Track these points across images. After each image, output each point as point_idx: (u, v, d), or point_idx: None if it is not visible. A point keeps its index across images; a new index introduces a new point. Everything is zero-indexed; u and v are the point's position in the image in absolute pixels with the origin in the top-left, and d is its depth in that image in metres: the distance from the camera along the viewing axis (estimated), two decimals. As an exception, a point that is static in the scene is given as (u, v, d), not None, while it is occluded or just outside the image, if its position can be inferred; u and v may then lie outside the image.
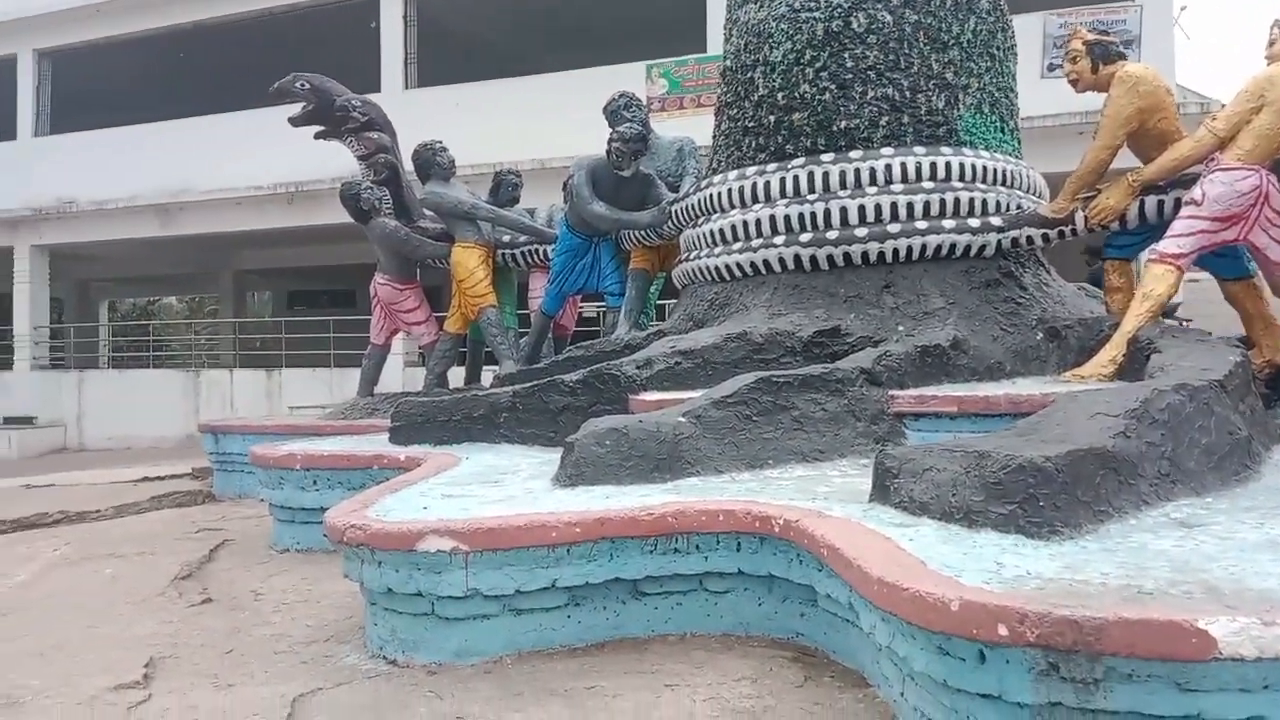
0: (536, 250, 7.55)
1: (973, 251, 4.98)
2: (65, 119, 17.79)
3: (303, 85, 7.79)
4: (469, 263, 7.34)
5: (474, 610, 2.92)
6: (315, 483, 4.81)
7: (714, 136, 5.90)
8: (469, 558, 2.86)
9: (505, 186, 7.90)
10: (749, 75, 5.51)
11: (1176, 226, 4.39)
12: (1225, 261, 4.65)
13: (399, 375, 14.60)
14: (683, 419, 3.71)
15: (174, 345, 25.93)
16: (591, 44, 15.24)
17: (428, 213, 7.99)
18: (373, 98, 8.31)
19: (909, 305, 4.87)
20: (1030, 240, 5.04)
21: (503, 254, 7.62)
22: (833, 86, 5.21)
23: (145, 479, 8.90)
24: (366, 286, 19.99)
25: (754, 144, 5.46)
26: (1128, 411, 2.94)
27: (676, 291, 6.67)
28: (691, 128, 12.95)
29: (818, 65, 5.24)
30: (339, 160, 14.56)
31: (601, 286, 6.79)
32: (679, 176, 6.59)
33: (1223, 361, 3.49)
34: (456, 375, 8.31)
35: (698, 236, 5.67)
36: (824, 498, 3.15)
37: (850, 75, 5.19)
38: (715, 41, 13.58)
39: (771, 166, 5.31)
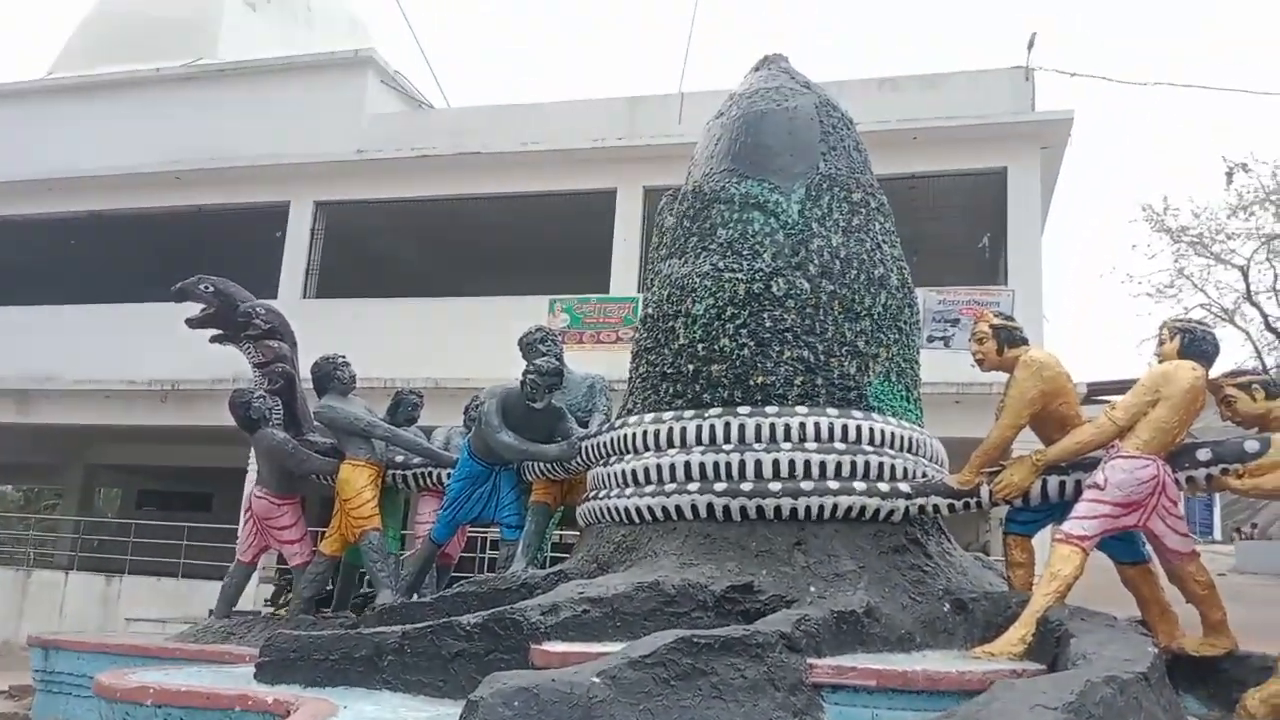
0: (430, 473, 7.29)
1: (881, 515, 5.01)
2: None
3: (206, 288, 7.63)
4: (357, 482, 7.01)
5: None
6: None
7: (630, 378, 5.94)
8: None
9: (404, 406, 7.71)
10: (670, 324, 5.63)
11: (1080, 509, 4.52)
12: (1122, 546, 4.79)
13: (253, 590, 13.60)
14: (597, 679, 3.44)
15: (2, 539, 23.76)
16: (497, 272, 15.63)
17: (318, 426, 7.71)
18: (269, 303, 8.15)
19: (820, 565, 4.81)
20: (936, 509, 5.11)
21: (393, 474, 7.34)
22: (751, 343, 5.35)
23: (-53, 697, 7.82)
24: (227, 491, 18.95)
25: (671, 390, 5.50)
26: (1065, 705, 2.87)
27: (574, 523, 6.49)
28: (590, 362, 13.14)
29: (738, 322, 5.40)
30: (219, 361, 14.22)
31: (498, 517, 6.55)
32: (588, 412, 6.57)
33: (1142, 652, 3.49)
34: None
35: (607, 475, 5.57)
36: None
37: (769, 335, 5.35)
38: (617, 284, 14.14)
39: (689, 414, 5.33)
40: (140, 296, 15.07)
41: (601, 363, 13.21)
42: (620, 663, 3.56)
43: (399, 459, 7.35)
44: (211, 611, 12.19)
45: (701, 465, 5.13)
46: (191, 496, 22.82)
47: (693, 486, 5.11)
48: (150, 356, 14.46)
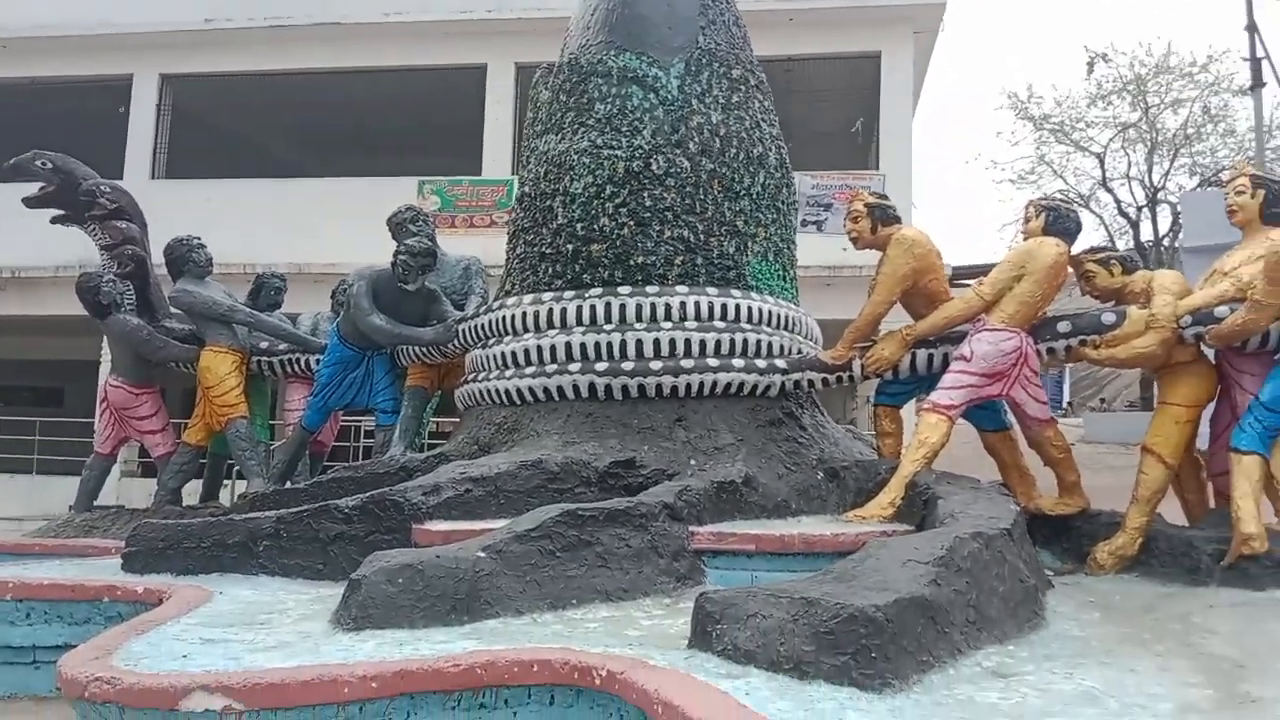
0: (297, 360, 7.04)
1: (759, 391, 5.10)
2: None
3: (44, 164, 7.02)
4: (220, 369, 6.72)
5: (245, 780, 2.48)
6: (29, 616, 4.05)
7: (508, 259, 5.80)
8: (243, 718, 2.44)
9: (267, 290, 7.38)
10: (548, 203, 5.49)
11: (947, 380, 4.70)
12: (985, 414, 5.03)
13: (113, 486, 13.06)
14: (482, 554, 3.44)
15: None
16: (363, 153, 14.95)
17: (175, 312, 7.31)
18: (115, 182, 7.57)
19: (700, 440, 4.88)
20: (811, 383, 5.24)
21: (258, 361, 7.05)
22: (631, 223, 5.28)
23: None
24: (78, 384, 18.11)
25: (550, 270, 5.40)
26: (936, 559, 3.01)
27: (452, 410, 6.40)
28: (462, 246, 12.76)
29: (617, 201, 5.30)
30: (65, 246, 13.29)
31: (372, 403, 6.40)
32: (464, 295, 6.42)
33: (1005, 510, 3.70)
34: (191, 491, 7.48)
35: (486, 358, 5.48)
36: (638, 643, 2.98)
37: (649, 214, 5.28)
38: (490, 165, 13.74)
39: (569, 294, 5.25)
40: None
41: (474, 247, 12.84)
42: (505, 537, 3.56)
43: (263, 345, 7.06)
44: (71, 507, 11.70)
45: (583, 345, 5.09)
46: (41, 391, 21.56)
47: (574, 367, 5.08)
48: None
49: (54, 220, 7.28)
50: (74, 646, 4.06)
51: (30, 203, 7.08)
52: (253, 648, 2.88)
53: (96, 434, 7.07)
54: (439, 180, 13.20)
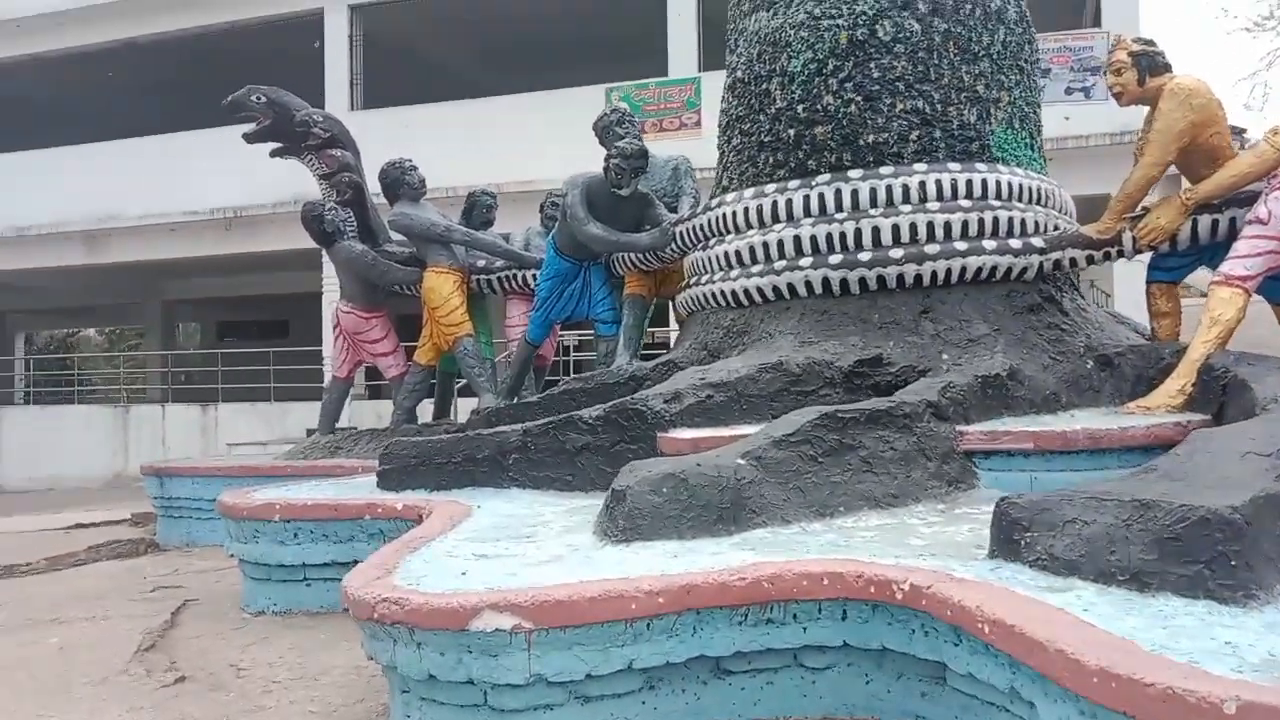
0: (515, 275, 7.06)
1: (1014, 274, 4.64)
2: (-16, 140, 16.79)
3: (259, 99, 7.23)
4: (443, 289, 6.82)
5: (536, 699, 2.42)
6: (296, 536, 4.25)
7: (722, 153, 5.50)
8: (532, 637, 2.36)
9: (479, 208, 7.40)
10: (764, 87, 5.13)
11: (1240, 247, 4.11)
12: (1279, 285, 4.40)
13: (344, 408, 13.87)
14: (742, 461, 3.26)
15: (95, 380, 24.60)
16: (546, 66, 14.84)
17: (394, 236, 7.47)
18: (325, 111, 7.72)
19: (950, 332, 4.50)
20: (1074, 262, 4.72)
21: (477, 280, 7.12)
22: (858, 98, 4.85)
23: (78, 526, 8.15)
24: (301, 317, 19.18)
25: (772, 160, 5.07)
26: (1279, 451, 2.58)
27: (663, 319, 6.26)
28: (654, 151, 12.63)
29: (841, 76, 4.88)
30: (281, 184, 13.97)
31: (592, 314, 6.32)
32: (675, 197, 6.19)
33: (1342, 392, 3.18)
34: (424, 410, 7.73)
35: (708, 259, 5.25)
36: (926, 553, 2.73)
37: (877, 87, 4.84)
38: (676, 65, 13.33)
39: (794, 184, 4.92)
40: (188, 124, 14.73)
41: (668, 151, 12.64)
42: (764, 443, 3.36)
43: (480, 263, 7.11)
44: (309, 431, 12.50)
45: (813, 238, 4.76)
46: (268, 324, 23.21)
47: (805, 261, 4.77)
48: (209, 185, 14.28)
49: (273, 154, 7.54)
50: (340, 564, 4.26)
51: (250, 138, 7.33)
52: (526, 562, 2.82)
53: (332, 359, 7.37)
54: (625, 85, 12.93)
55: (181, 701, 3.21)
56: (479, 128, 13.38)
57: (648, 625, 2.45)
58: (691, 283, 5.47)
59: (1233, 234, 4.33)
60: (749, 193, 5.08)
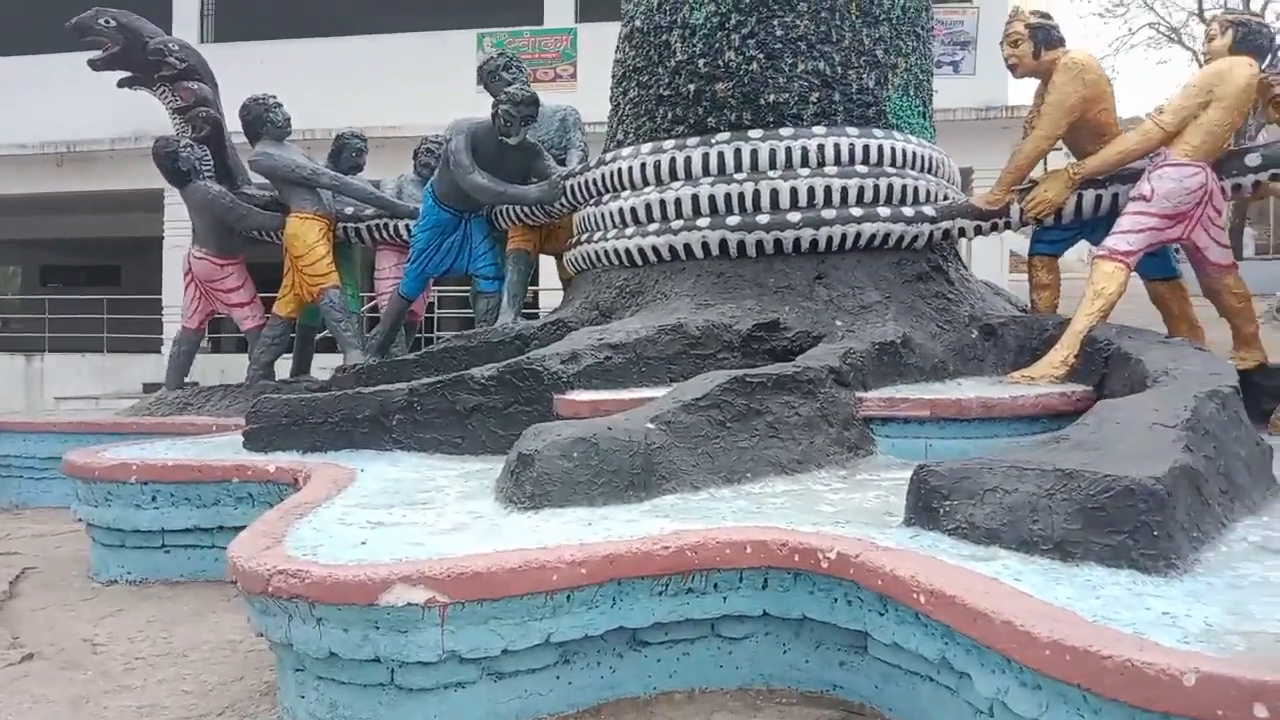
0: (386, 225, 6.71)
1: (905, 242, 4.69)
2: None
3: (107, 22, 6.60)
4: (308, 236, 6.42)
5: (447, 677, 2.27)
6: (155, 499, 3.90)
7: (617, 105, 5.34)
8: (447, 611, 2.20)
9: (348, 151, 7.00)
10: (664, 38, 4.98)
11: (1124, 223, 4.25)
12: (1155, 261, 4.58)
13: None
14: (652, 426, 3.15)
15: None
16: (416, 7, 14.16)
17: (255, 178, 6.98)
18: (181, 40, 7.10)
19: (844, 298, 4.51)
20: (962, 232, 4.81)
21: (344, 228, 6.74)
22: (760, 56, 4.77)
23: (-118, 483, 7.32)
24: (135, 263, 17.94)
25: (670, 115, 4.94)
26: (1184, 422, 2.66)
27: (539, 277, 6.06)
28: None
29: (744, 31, 4.78)
30: (120, 118, 12.93)
31: (472, 268, 6.06)
32: (563, 149, 5.99)
33: (1224, 366, 3.32)
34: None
35: (601, 215, 5.10)
36: (840, 520, 2.70)
37: (779, 45, 4.77)
38: (552, 14, 13.00)
39: (693, 141, 4.81)
40: (22, 49, 13.42)
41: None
42: (673, 407, 3.26)
43: (349, 211, 6.73)
44: (147, 385, 11.73)
45: (711, 197, 4.67)
46: (98, 270, 21.64)
47: (703, 222, 4.68)
48: (41, 116, 13.08)
49: (121, 83, 6.91)
50: (204, 529, 3.95)
51: (96, 65, 6.69)
52: (430, 531, 2.64)
53: (183, 308, 6.85)
54: (499, 32, 12.52)
55: (31, 682, 2.88)
56: (342, 68, 12.72)
57: (568, 597, 2.32)
58: (582, 239, 5.31)
59: (1115, 210, 4.48)
60: (646, 148, 4.95)
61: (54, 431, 6.25)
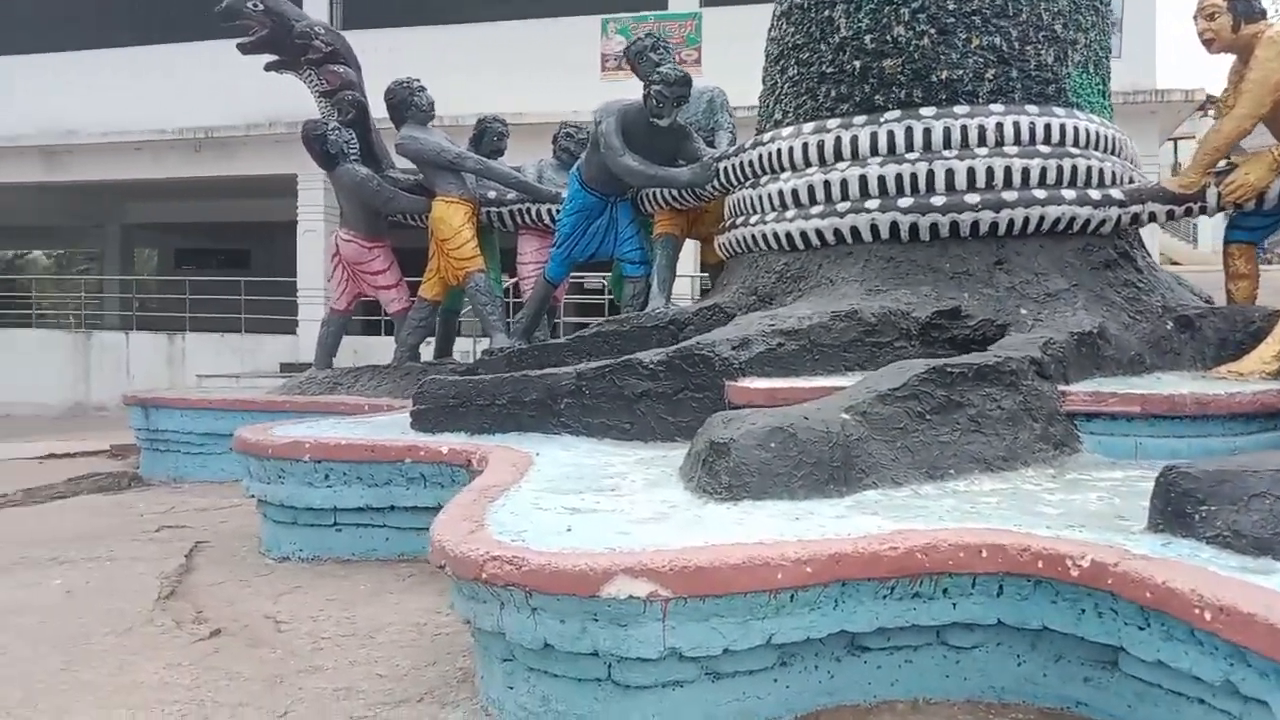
0: (528, 209, 6.69)
1: (1091, 227, 4.40)
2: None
3: (255, 5, 6.72)
4: (454, 220, 6.43)
5: (666, 675, 2.16)
6: (327, 477, 3.91)
7: (774, 84, 5.15)
8: (669, 606, 2.09)
9: (489, 135, 6.99)
10: (826, 14, 4.79)
11: (1346, 208, 3.90)
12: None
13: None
14: (847, 416, 2.99)
15: (44, 304, 23.56)
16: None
17: (397, 162, 7.04)
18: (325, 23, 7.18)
19: (1027, 285, 4.25)
20: (1153, 217, 4.49)
21: (487, 212, 6.74)
22: (932, 30, 4.54)
23: (51, 456, 7.68)
24: (264, 247, 18.39)
25: (834, 93, 4.75)
26: None
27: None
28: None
29: (914, 5, 4.55)
30: (255, 104, 13.29)
31: (618, 253, 5.97)
32: (710, 131, 5.85)
33: None
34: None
35: (758, 198, 4.94)
36: (1071, 525, 2.49)
37: (952, 19, 4.52)
38: (675, -1, 12.82)
39: (859, 119, 4.60)
40: (164, 38, 13.92)
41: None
42: (868, 397, 3.09)
43: (491, 195, 6.73)
44: (284, 365, 12.05)
45: (881, 178, 4.47)
46: (229, 253, 22.42)
47: (871, 204, 4.48)
48: (181, 103, 13.54)
49: (268, 67, 7.04)
50: (375, 508, 3.95)
51: (245, 48, 6.82)
52: (630, 519, 2.53)
53: (331, 290, 6.95)
54: (623, 18, 12.41)
55: (224, 658, 2.89)
56: (468, 56, 12.78)
57: (791, 597, 2.19)
58: (736, 223, 5.16)
59: (1324, 194, 4.13)
60: (808, 127, 4.76)
61: (210, 408, 6.42)
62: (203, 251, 23.26)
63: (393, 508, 3.92)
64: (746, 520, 2.52)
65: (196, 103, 13.44)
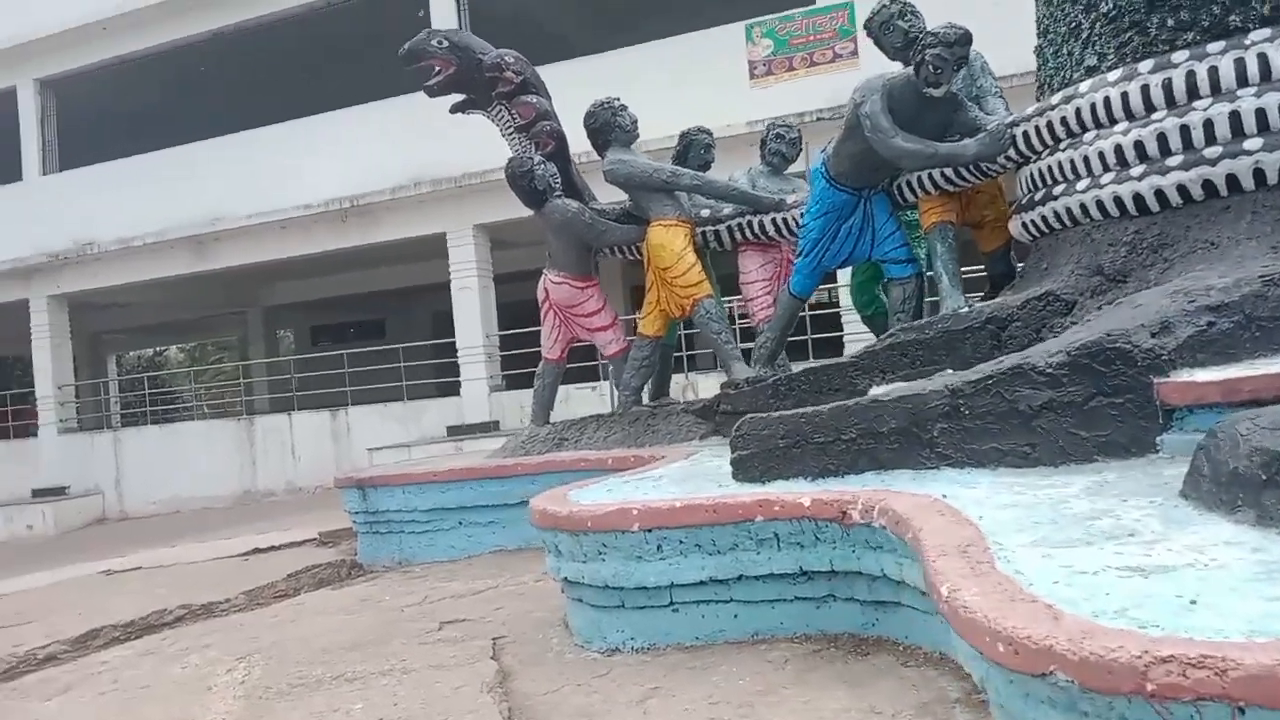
0: (748, 223, 6.00)
1: None
2: (76, 153, 16.11)
3: (440, 43, 6.26)
4: (675, 244, 5.81)
5: None
6: (660, 549, 3.24)
7: (1075, 25, 4.35)
8: None
9: (695, 148, 6.34)
10: (1144, -69, 3.98)
11: None
12: None
13: (483, 401, 12.97)
14: None
15: (186, 397, 24.07)
16: (680, 8, 13.53)
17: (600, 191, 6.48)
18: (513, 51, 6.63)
19: None
20: None
21: (703, 232, 6.09)
22: (1299, -75, 3.69)
23: (255, 551, 7.31)
24: (398, 314, 18.11)
25: (1170, 21, 3.93)
26: None
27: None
28: (809, 89, 11.42)
29: (1271, -102, 3.72)
30: (394, 169, 13.09)
31: (878, 254, 5.21)
32: (974, 99, 5.06)
33: None
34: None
35: (1081, 160, 4.14)
36: None
37: (1325, -93, 3.67)
38: (823, -10, 12.06)
39: (1214, 46, 3.77)
40: (293, 114, 13.90)
41: (822, 89, 11.48)
42: None
43: (704, 213, 6.08)
44: (450, 428, 11.65)
45: (1260, 111, 3.62)
46: (363, 325, 22.49)
47: (1251, 144, 3.63)
48: (320, 175, 13.42)
49: (454, 109, 6.57)
50: (719, 581, 3.24)
51: (432, 90, 6.35)
52: (1238, 577, 1.77)
53: (543, 339, 6.39)
54: (768, 20, 11.73)
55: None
56: (617, 83, 12.23)
57: None
58: (1048, 195, 4.35)
59: None
60: (1144, 66, 3.94)
61: (435, 481, 5.91)
62: (336, 326, 23.43)
63: (740, 578, 3.22)
64: None
65: (342, 171, 13.30)
